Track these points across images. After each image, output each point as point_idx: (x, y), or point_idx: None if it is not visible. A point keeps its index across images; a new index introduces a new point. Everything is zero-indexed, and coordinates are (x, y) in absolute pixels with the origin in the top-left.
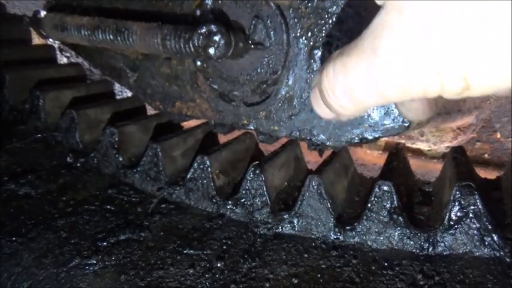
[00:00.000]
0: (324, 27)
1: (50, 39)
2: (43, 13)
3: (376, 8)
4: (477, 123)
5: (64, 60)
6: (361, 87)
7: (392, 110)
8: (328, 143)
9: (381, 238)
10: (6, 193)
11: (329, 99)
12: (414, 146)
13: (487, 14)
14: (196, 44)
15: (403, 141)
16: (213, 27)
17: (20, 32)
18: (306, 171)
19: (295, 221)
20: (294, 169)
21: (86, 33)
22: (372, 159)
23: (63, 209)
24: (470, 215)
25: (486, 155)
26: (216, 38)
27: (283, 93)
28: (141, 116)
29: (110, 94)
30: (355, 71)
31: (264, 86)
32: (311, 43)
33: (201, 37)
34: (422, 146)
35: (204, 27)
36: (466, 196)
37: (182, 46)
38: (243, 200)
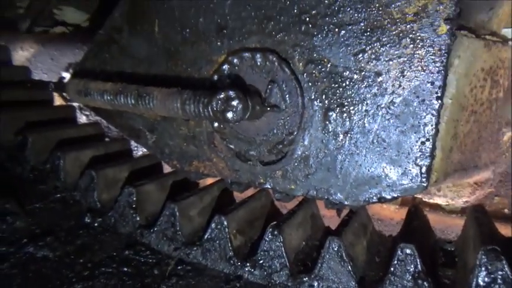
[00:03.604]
0: (338, 91)
1: None
2: (67, 78)
3: None
4: (494, 178)
5: (83, 119)
6: None
7: (410, 170)
8: (346, 202)
9: None
10: (25, 256)
11: None
12: (431, 201)
13: None
14: (215, 109)
15: (420, 196)
16: (231, 93)
17: (43, 94)
18: (323, 229)
19: (316, 285)
20: (311, 228)
21: (108, 98)
22: (388, 214)
23: (80, 272)
24: (499, 280)
25: (506, 210)
26: (234, 102)
27: (299, 153)
28: (158, 174)
29: (127, 152)
30: None
31: (280, 146)
32: (326, 105)
33: (219, 102)
34: (439, 201)
35: (222, 92)
36: (492, 261)
37: (201, 110)
38: (261, 262)
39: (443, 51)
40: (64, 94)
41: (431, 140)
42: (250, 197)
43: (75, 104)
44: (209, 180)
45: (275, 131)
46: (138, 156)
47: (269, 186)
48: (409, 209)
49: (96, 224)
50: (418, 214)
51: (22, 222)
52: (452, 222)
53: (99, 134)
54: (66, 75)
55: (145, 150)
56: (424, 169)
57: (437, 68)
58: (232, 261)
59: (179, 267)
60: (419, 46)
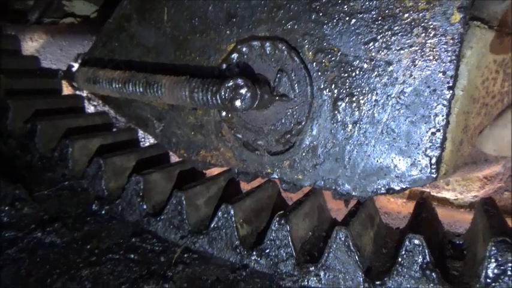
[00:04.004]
0: (347, 80)
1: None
2: (76, 67)
3: None
4: (504, 172)
5: (91, 109)
6: None
7: (419, 161)
8: (354, 193)
9: None
10: (34, 241)
11: None
12: (440, 195)
13: None
14: (223, 97)
15: (428, 189)
16: (240, 81)
17: (52, 83)
18: (330, 221)
19: (322, 274)
20: (317, 218)
21: (117, 86)
22: (395, 207)
23: (87, 258)
24: (509, 272)
25: None
26: (243, 91)
27: (307, 143)
28: (165, 163)
29: (134, 141)
30: None
31: (288, 136)
32: (335, 95)
33: (227, 90)
34: (448, 195)
35: (231, 81)
36: (503, 252)
37: (209, 98)
38: (267, 251)
39: (456, 40)
40: (73, 83)
41: (441, 131)
42: (257, 187)
43: (84, 94)
44: (216, 171)
45: (283, 121)
46: (146, 146)
47: (276, 176)
48: (417, 202)
49: (103, 212)
50: (427, 207)
51: (30, 209)
52: (461, 217)
53: (107, 123)
54: (75, 65)
55: (152, 140)
56: (433, 160)
57: (449, 58)
58: (238, 250)
59: (185, 255)
60: (431, 35)
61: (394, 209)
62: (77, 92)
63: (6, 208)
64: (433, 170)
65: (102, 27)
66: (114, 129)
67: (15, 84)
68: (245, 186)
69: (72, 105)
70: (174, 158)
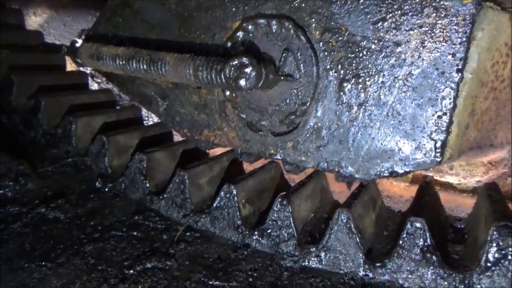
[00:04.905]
0: (354, 61)
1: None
2: (80, 43)
3: None
4: (509, 158)
5: (95, 86)
6: None
7: (424, 145)
8: (356, 176)
9: (413, 277)
10: (37, 217)
11: None
12: (443, 179)
13: None
14: (228, 76)
15: (431, 174)
16: (245, 60)
17: (56, 59)
18: (332, 203)
19: (323, 255)
20: (320, 200)
21: (120, 62)
22: (398, 191)
23: (91, 234)
24: (509, 256)
25: None
26: (247, 70)
27: (312, 124)
28: (168, 142)
29: (138, 120)
30: None
31: (293, 116)
32: (341, 76)
33: (232, 69)
34: (451, 179)
35: (236, 59)
36: (504, 237)
37: (214, 77)
38: (269, 231)
39: (467, 22)
40: (76, 59)
41: (448, 115)
42: (260, 168)
43: (88, 71)
44: (219, 151)
45: (288, 101)
46: (149, 124)
47: (279, 157)
48: (420, 185)
49: (106, 189)
50: (429, 190)
51: (34, 184)
52: (463, 202)
53: (111, 101)
54: (79, 41)
55: (156, 119)
56: (438, 144)
57: (459, 39)
58: (240, 230)
59: (187, 234)
60: (442, 15)
61: (396, 193)
62: (81, 69)
63: (11, 183)
64: (438, 154)
65: (106, 3)
66: (118, 107)
67: (18, 59)
68: (248, 167)
69: (76, 81)
70: (177, 137)
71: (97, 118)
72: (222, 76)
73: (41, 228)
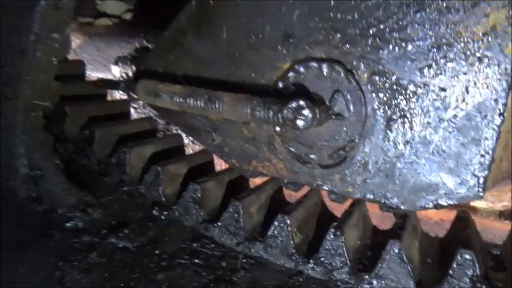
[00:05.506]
0: (401, 102)
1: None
2: (113, 69)
3: None
4: None
5: (132, 111)
6: None
7: (468, 180)
8: (402, 207)
9: None
10: (110, 246)
11: None
12: (471, 203)
13: None
14: (286, 116)
15: None
16: (302, 102)
17: (98, 89)
18: (372, 229)
19: (375, 283)
20: (363, 227)
21: (178, 100)
22: (427, 213)
23: (158, 262)
24: None
25: None
26: (305, 112)
27: (359, 158)
28: (212, 171)
29: (180, 148)
30: None
31: (341, 151)
32: (388, 115)
33: (290, 110)
34: (479, 204)
35: (294, 102)
36: None
37: (271, 117)
38: (322, 259)
39: (508, 70)
40: (132, 94)
41: (490, 153)
42: (305, 196)
43: (126, 97)
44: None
45: (336, 137)
46: (192, 153)
47: (327, 188)
48: (457, 214)
49: (162, 217)
50: (469, 219)
51: (99, 214)
52: (491, 225)
53: (153, 129)
54: (114, 68)
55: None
56: (481, 180)
57: (501, 87)
58: (294, 257)
59: (244, 261)
60: (485, 64)
61: (425, 215)
62: (122, 97)
63: (80, 214)
64: (481, 189)
65: (156, 39)
66: (159, 135)
67: (66, 91)
68: (288, 193)
69: (120, 110)
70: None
71: (146, 147)
72: (280, 116)
73: (115, 258)
